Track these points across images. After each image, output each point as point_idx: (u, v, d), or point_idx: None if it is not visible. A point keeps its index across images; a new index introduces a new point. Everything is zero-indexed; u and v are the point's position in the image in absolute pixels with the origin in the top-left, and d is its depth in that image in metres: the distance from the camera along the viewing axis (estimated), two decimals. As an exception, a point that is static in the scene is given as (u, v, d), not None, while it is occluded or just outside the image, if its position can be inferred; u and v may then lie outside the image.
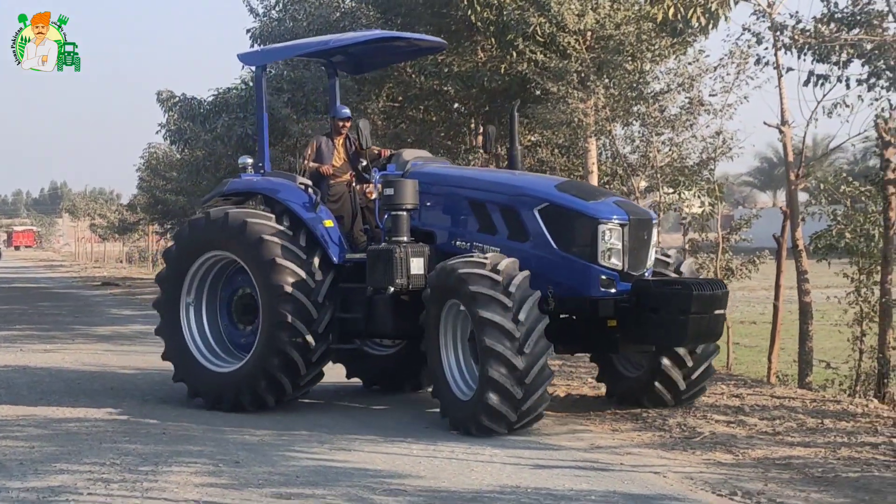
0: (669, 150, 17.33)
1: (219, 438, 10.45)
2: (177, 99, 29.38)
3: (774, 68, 13.79)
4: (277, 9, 27.31)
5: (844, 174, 14.85)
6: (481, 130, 22.30)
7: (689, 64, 17.03)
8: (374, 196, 12.27)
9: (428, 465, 9.20)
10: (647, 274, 11.02)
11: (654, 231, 11.19)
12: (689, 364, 11.21)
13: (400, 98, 22.69)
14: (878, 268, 13.73)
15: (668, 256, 11.57)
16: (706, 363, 11.31)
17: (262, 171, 12.78)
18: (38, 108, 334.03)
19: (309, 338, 11.59)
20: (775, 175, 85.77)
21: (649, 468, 8.97)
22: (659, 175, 17.38)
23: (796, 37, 12.78)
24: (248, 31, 26.98)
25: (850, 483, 8.29)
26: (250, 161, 12.93)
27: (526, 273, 10.28)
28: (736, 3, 14.30)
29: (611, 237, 10.66)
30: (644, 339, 10.80)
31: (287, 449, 9.91)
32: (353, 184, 12.75)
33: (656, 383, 11.32)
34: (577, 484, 8.37)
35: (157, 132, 31.03)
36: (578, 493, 8.09)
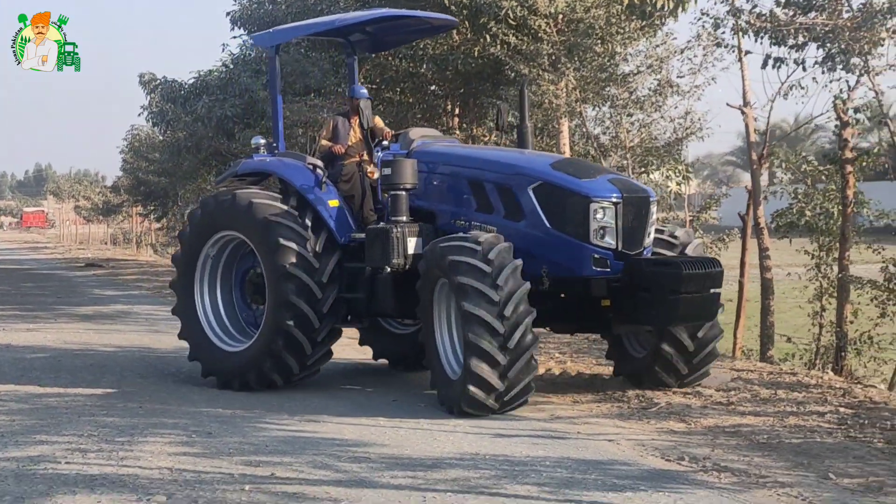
0: (638, 130, 17.71)
1: (194, 412, 10.81)
2: (158, 81, 29.65)
3: (733, 52, 14.13)
4: (257, -10, 27.50)
5: (804, 154, 15.27)
6: (457, 112, 22.68)
7: (657, 46, 17.40)
8: (375, 176, 12.32)
9: (393, 434, 9.58)
10: (646, 253, 10.82)
11: (653, 209, 10.93)
12: (691, 348, 11.06)
13: (378, 80, 22.97)
14: (837, 245, 14.13)
15: (676, 238, 11.28)
16: (709, 347, 11.16)
17: (275, 152, 12.85)
18: (21, 91, 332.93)
19: (313, 317, 11.63)
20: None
21: (604, 436, 9.37)
22: (629, 155, 17.77)
23: (752, 21, 13.16)
24: (227, 13, 27.18)
25: (792, 448, 8.70)
26: (263, 141, 12.95)
27: (517, 263, 10.09)
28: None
29: (603, 216, 10.49)
30: (636, 319, 10.65)
31: (258, 421, 10.28)
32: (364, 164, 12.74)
33: (657, 366, 11.22)
34: (533, 451, 8.76)
35: (139, 114, 31.27)
36: (534, 459, 8.47)
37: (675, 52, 17.26)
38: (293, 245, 11.67)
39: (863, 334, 13.96)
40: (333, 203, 12.10)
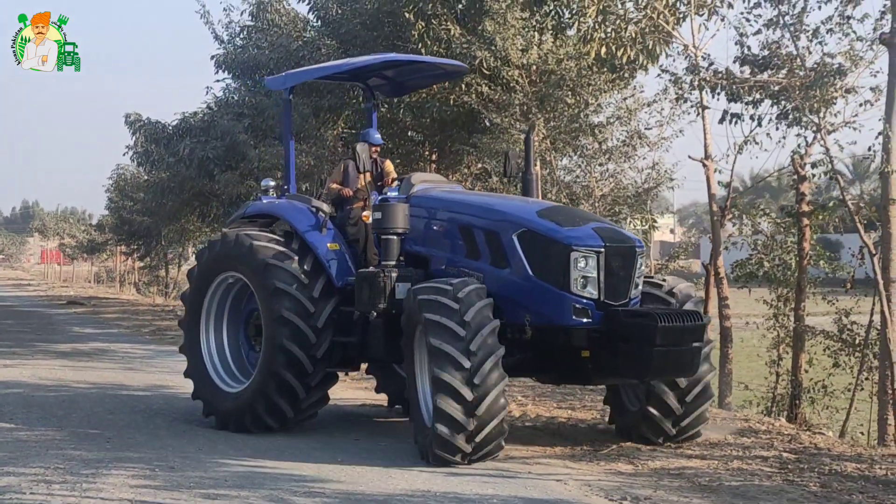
0: (607, 180, 18.14)
1: (159, 447, 11.11)
2: (143, 122, 30.04)
3: (692, 107, 14.59)
4: (242, 37, 28.00)
5: (762, 207, 15.72)
6: (434, 157, 23.09)
7: (626, 99, 17.86)
8: (368, 220, 12.16)
9: (350, 471, 9.89)
10: (633, 303, 10.53)
11: (639, 259, 10.65)
12: (679, 411, 10.80)
13: (358, 125, 23.39)
14: (794, 295, 14.53)
15: (673, 294, 10.89)
16: (698, 411, 10.88)
17: (284, 194, 12.83)
18: (12, 126, 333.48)
19: (306, 362, 11.55)
20: (739, 203, 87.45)
21: (553, 476, 9.70)
22: (598, 204, 18.18)
23: (708, 78, 13.62)
24: (212, 57, 27.62)
25: (731, 490, 9.05)
26: (272, 184, 13.00)
27: (486, 301, 10.00)
28: (667, 45, 15.01)
29: (585, 265, 10.25)
30: (613, 371, 10.43)
31: (221, 456, 10.59)
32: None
33: (644, 426, 10.98)
34: (483, 489, 9.08)
35: (124, 154, 31.62)
36: (482, 497, 8.80)
37: (644, 104, 17.72)
38: (289, 289, 11.62)
39: (817, 383, 14.32)
40: (333, 246, 12.03)
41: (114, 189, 49.06)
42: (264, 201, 12.88)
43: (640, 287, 10.72)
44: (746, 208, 15.39)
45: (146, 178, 39.13)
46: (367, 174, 12.65)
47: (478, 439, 9.75)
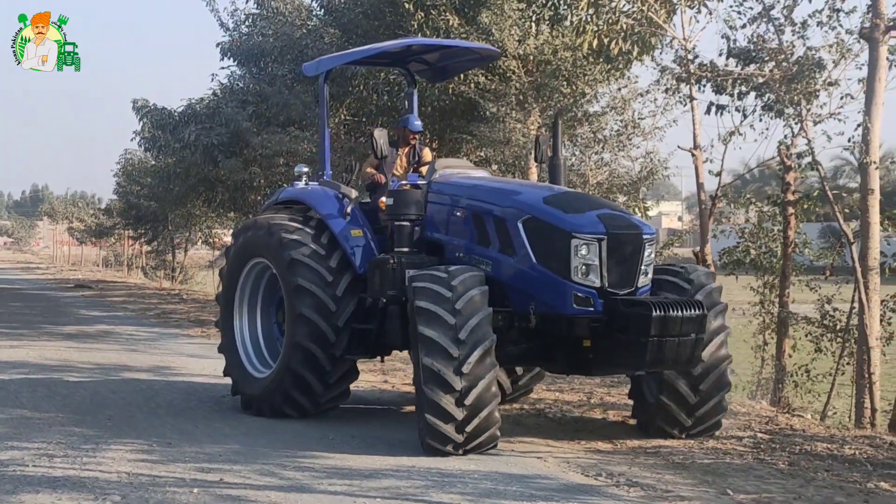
0: (601, 168, 18.51)
1: (158, 424, 11.53)
2: (149, 108, 30.41)
3: (680, 99, 14.95)
4: (247, 24, 28.36)
5: (749, 196, 16.08)
6: (435, 145, 23.45)
7: (620, 89, 18.21)
8: (384, 207, 11.94)
9: (339, 446, 10.31)
10: (642, 292, 10.30)
11: (646, 247, 10.31)
12: (692, 400, 10.50)
13: (360, 113, 23.76)
14: (779, 282, 14.90)
15: (690, 281, 10.63)
16: (714, 400, 10.58)
17: (317, 180, 12.62)
18: (23, 111, 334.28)
19: (324, 361, 11.41)
20: (748, 191, 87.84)
21: (534, 454, 10.11)
22: (593, 192, 18.53)
23: (694, 70, 13.98)
24: (217, 44, 28.00)
25: (702, 467, 9.44)
26: (306, 169, 12.74)
27: (480, 290, 9.90)
28: (659, 38, 15.34)
29: (587, 252, 10.04)
30: (611, 362, 10.29)
31: (217, 433, 11.02)
32: None
33: (659, 417, 10.71)
34: (465, 465, 9.47)
35: (131, 139, 32.00)
36: (464, 472, 9.19)
37: (638, 94, 18.07)
38: (311, 287, 11.44)
39: (801, 368, 14.70)
40: (356, 233, 11.81)
41: (121, 174, 49.49)
42: (297, 187, 12.66)
43: (650, 275, 10.46)
44: (734, 197, 15.71)
45: (153, 163, 39.53)
46: (403, 159, 12.66)
47: (468, 429, 9.64)
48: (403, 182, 11.96)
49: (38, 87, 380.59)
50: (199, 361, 17.15)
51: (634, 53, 16.38)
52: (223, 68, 32.21)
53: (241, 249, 12.60)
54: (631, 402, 11.63)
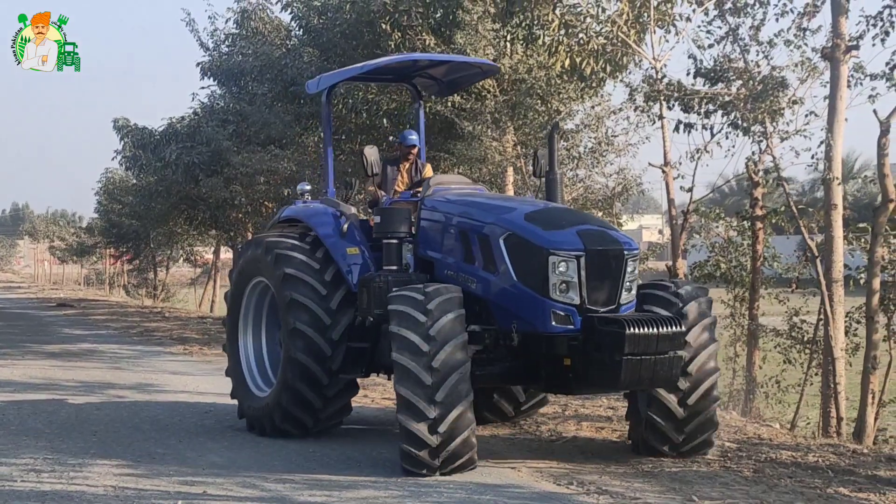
0: (575, 185, 18.85)
1: (142, 439, 11.82)
2: (130, 127, 30.70)
3: (649, 117, 15.34)
4: (227, 44, 28.72)
5: (718, 210, 16.47)
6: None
7: (593, 107, 18.57)
8: (373, 224, 11.89)
9: (320, 459, 10.62)
10: (626, 309, 10.10)
11: (629, 263, 10.08)
12: (681, 415, 10.23)
13: (340, 132, 24.10)
14: (749, 295, 15.28)
15: (678, 295, 10.42)
16: (703, 415, 10.31)
17: (321, 198, 12.58)
18: (1, 131, 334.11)
19: (321, 374, 11.29)
20: (726, 205, 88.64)
21: (509, 464, 10.41)
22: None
23: (661, 89, 14.37)
24: (198, 64, 28.35)
25: (670, 475, 9.77)
26: (308, 187, 12.71)
27: (455, 296, 9.85)
28: (625, 58, 15.75)
29: (566, 269, 9.87)
30: (589, 381, 10.02)
31: (200, 447, 11.31)
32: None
33: (647, 434, 10.48)
34: (441, 476, 9.73)
35: (112, 158, 32.27)
36: (439, 483, 9.48)
37: (610, 112, 18.43)
38: (305, 301, 11.39)
39: (771, 378, 15.06)
40: (352, 251, 11.68)
41: (103, 192, 49.69)
42: (299, 205, 12.63)
43: (633, 291, 10.25)
44: (705, 211, 16.08)
45: (134, 181, 39.83)
46: (404, 176, 12.63)
47: (443, 455, 9.55)
48: (395, 199, 12.02)
49: (24, 95, 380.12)
50: (182, 378, 17.43)
51: (607, 71, 16.81)
52: (203, 88, 32.59)
53: (243, 270, 12.60)
54: (609, 415, 11.99)
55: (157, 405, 14.49)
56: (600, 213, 19.39)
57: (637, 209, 54.99)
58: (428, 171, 13.02)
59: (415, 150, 12.98)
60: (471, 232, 10.76)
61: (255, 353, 12.66)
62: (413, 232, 11.52)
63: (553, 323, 9.98)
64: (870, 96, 13.89)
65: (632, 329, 9.51)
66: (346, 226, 11.81)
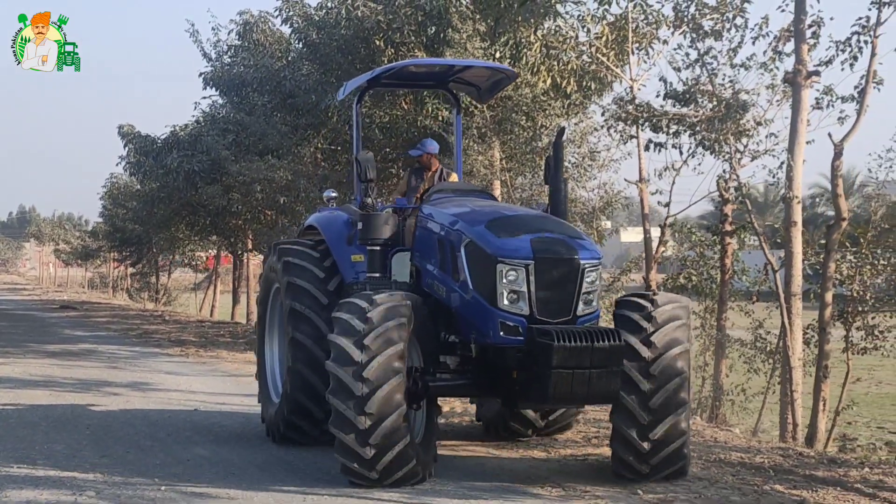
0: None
1: (133, 433, 12.52)
2: (133, 135, 31.45)
3: (622, 137, 16.08)
4: (229, 55, 29.47)
5: (689, 226, 17.21)
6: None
7: (577, 124, 19.30)
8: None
9: (298, 452, 11.29)
10: (582, 321, 9.68)
11: (586, 273, 9.68)
12: (644, 420, 9.60)
13: (337, 144, 24.83)
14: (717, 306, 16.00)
15: (651, 302, 9.90)
16: (668, 420, 9.61)
17: (343, 205, 12.40)
18: (8, 133, 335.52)
19: (320, 387, 10.77)
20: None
21: (475, 460, 11.09)
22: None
23: (631, 111, 15.10)
24: (200, 74, 29.10)
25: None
26: (334, 194, 12.54)
27: (402, 304, 9.51)
28: (607, 78, 16.49)
29: (515, 278, 9.56)
30: (528, 395, 9.65)
31: (187, 441, 12.00)
32: None
33: (615, 462, 10.00)
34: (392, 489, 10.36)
35: (117, 164, 33.01)
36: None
37: (593, 129, 19.15)
38: (305, 311, 11.33)
39: (737, 387, 15.77)
40: (357, 258, 11.45)
41: (107, 197, 50.53)
42: (322, 212, 12.51)
43: (595, 303, 9.89)
44: (678, 227, 16.82)
45: (138, 187, 40.59)
46: (427, 184, 12.42)
47: (379, 467, 9.32)
48: (388, 206, 11.87)
49: (31, 98, 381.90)
50: (176, 378, 18.15)
51: (593, 88, 17.54)
52: (205, 97, 33.30)
53: (266, 276, 12.56)
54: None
55: (149, 402, 15.21)
56: (583, 227, 20.13)
57: (632, 221, 56.05)
58: (452, 178, 12.87)
59: (434, 159, 12.91)
60: (444, 240, 10.50)
61: (277, 359, 12.48)
62: (398, 239, 11.30)
63: (501, 334, 9.65)
64: (839, 118, 14.66)
65: (561, 341, 9.16)
66: (354, 233, 11.53)
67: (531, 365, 9.40)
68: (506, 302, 9.62)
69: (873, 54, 13.93)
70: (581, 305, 9.72)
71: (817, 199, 62.45)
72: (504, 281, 9.62)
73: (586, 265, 9.74)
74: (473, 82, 13.00)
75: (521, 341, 9.56)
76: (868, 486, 9.92)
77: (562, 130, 11.17)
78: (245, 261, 39.96)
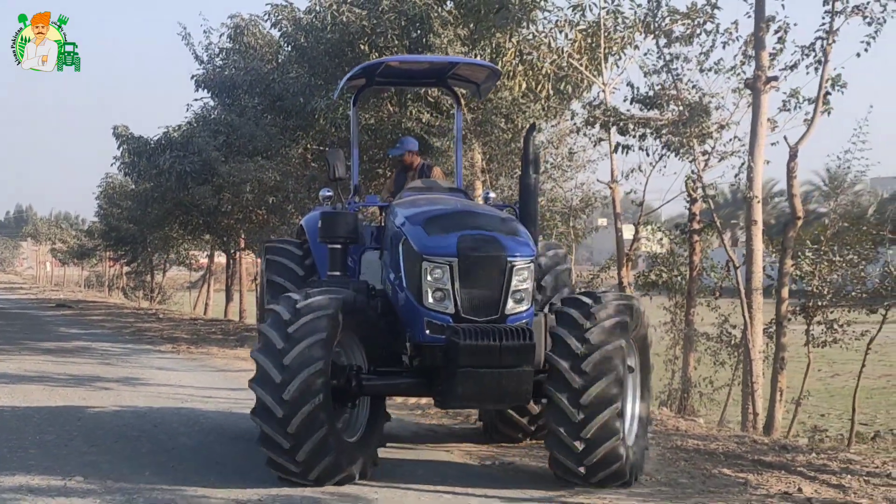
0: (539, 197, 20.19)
1: (122, 424, 13.11)
2: (126, 136, 31.97)
3: (590, 139, 16.72)
4: (221, 57, 30.03)
5: (659, 225, 17.83)
6: (391, 174, 25.13)
7: (554, 126, 19.93)
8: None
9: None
10: (513, 320, 9.50)
11: (515, 271, 9.53)
12: (575, 418, 9.23)
13: (324, 145, 25.41)
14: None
15: (593, 299, 9.63)
16: (599, 418, 9.19)
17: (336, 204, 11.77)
18: (5, 133, 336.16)
19: None
20: (723, 213, 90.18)
21: (444, 448, 11.71)
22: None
23: (598, 115, 15.72)
24: (192, 76, 29.65)
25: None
26: (329, 193, 12.02)
27: (333, 298, 9.44)
28: (581, 83, 17.10)
29: (440, 275, 9.49)
30: (446, 395, 9.56)
31: (175, 433, 12.58)
32: None
33: (548, 440, 9.67)
34: (386, 454, 11.00)
35: (111, 164, 33.49)
36: (383, 461, 10.67)
37: (570, 131, 19.78)
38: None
39: (705, 379, 16.39)
40: None
41: (103, 196, 51.13)
42: (313, 212, 12.30)
43: (526, 301, 9.67)
44: (652, 225, 17.44)
45: (132, 187, 41.16)
46: (410, 182, 12.27)
47: (299, 457, 9.20)
48: (359, 205, 11.92)
49: (27, 97, 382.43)
50: (167, 373, 18.78)
51: (570, 92, 18.16)
52: (197, 99, 33.88)
53: (260, 274, 12.66)
54: None
55: (138, 395, 15.81)
56: (560, 226, 20.77)
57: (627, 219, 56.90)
58: (435, 173, 13.03)
59: (411, 156, 13.12)
60: (393, 238, 10.40)
61: None
62: (358, 238, 11.21)
63: (427, 332, 9.56)
64: (804, 120, 15.27)
65: (467, 340, 9.12)
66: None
67: (447, 364, 9.31)
68: (430, 300, 9.55)
69: (826, 61, 14.53)
70: (510, 304, 9.56)
71: (808, 196, 63.14)
72: (429, 279, 9.55)
73: (515, 263, 9.57)
74: (471, 79, 12.76)
75: (443, 340, 9.41)
76: (811, 469, 10.54)
77: (532, 126, 10.97)
78: (238, 259, 40.59)
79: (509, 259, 9.54)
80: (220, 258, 46.09)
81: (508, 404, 10.32)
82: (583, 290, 13.10)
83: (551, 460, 9.67)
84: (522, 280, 9.63)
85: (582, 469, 9.36)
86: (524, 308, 9.64)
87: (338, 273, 10.91)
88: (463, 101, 20.11)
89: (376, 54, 21.51)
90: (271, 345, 9.22)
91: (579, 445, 9.26)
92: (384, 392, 10.12)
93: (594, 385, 9.17)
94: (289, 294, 9.76)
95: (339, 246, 11.01)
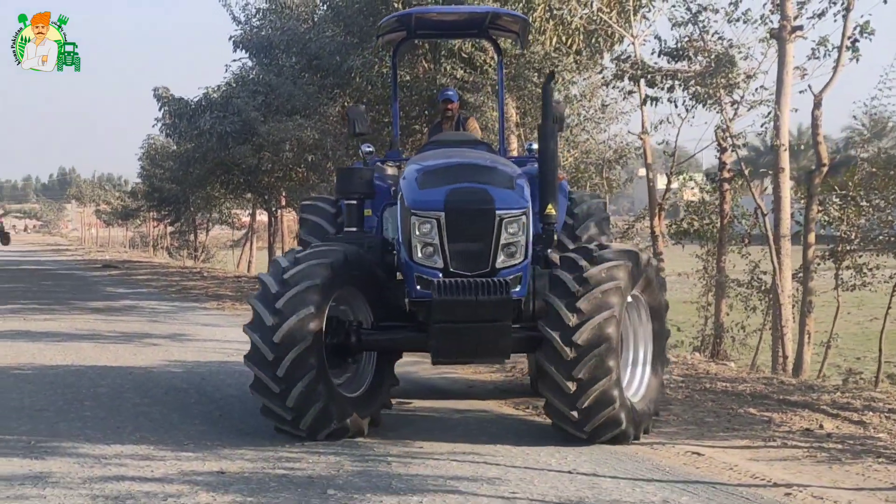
0: (570, 151, 20.52)
1: (170, 377, 13.66)
2: (167, 98, 32.44)
3: (621, 92, 17.00)
4: (257, 18, 30.42)
5: (690, 174, 18.12)
6: (426, 130, 25.49)
7: (586, 79, 20.20)
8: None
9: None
10: (504, 274, 9.29)
11: (505, 225, 9.33)
12: (568, 390, 9.08)
13: (363, 101, 25.75)
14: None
15: (597, 248, 9.58)
16: (594, 389, 9.03)
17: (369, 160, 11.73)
18: (50, 98, 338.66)
19: None
20: (759, 162, 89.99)
21: (479, 397, 12.14)
22: (564, 172, 20.56)
23: (626, 68, 16.00)
24: (230, 37, 30.05)
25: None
26: (370, 149, 11.90)
27: (323, 261, 9.41)
28: (615, 39, 17.36)
29: (428, 230, 9.35)
30: (433, 351, 9.45)
31: (222, 384, 13.13)
32: None
33: (548, 409, 9.57)
34: (420, 402, 11.50)
35: (153, 125, 34.00)
36: (418, 409, 11.23)
37: (602, 84, 20.05)
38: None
39: (737, 324, 16.74)
40: (367, 213, 11.14)
41: (145, 158, 51.78)
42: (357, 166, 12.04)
43: (519, 254, 9.41)
44: (679, 175, 17.72)
45: (174, 148, 41.71)
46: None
47: (290, 403, 9.27)
48: (378, 160, 11.77)
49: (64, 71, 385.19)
50: (212, 329, 19.33)
51: (601, 45, 18.43)
52: (235, 60, 34.25)
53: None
54: None
55: (186, 351, 16.34)
56: (595, 178, 21.08)
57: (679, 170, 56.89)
58: (471, 124, 12.92)
59: (452, 106, 12.83)
60: (395, 193, 10.36)
61: None
62: (371, 192, 10.95)
63: (418, 287, 9.45)
64: (833, 67, 15.49)
65: (441, 294, 9.06)
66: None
67: (429, 319, 9.24)
68: (420, 255, 9.41)
69: (850, 8, 14.73)
70: (501, 257, 9.37)
71: (849, 142, 62.91)
72: (417, 233, 9.41)
73: (505, 215, 9.34)
74: (511, 28, 12.48)
75: (430, 295, 9.23)
76: (834, 407, 10.92)
77: (550, 75, 10.68)
78: (280, 217, 41.12)
79: (498, 212, 9.33)
80: (262, 216, 46.59)
81: (488, 359, 10.46)
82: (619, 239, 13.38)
83: (553, 424, 9.56)
84: (514, 233, 9.40)
85: (583, 435, 9.25)
86: (517, 261, 9.42)
87: (354, 229, 10.72)
88: (479, 62, 20.55)
89: (410, 11, 21.82)
90: (267, 290, 9.33)
91: (576, 415, 9.14)
92: (384, 347, 9.96)
93: (586, 358, 8.99)
94: (281, 259, 9.79)
95: (354, 201, 10.82)
